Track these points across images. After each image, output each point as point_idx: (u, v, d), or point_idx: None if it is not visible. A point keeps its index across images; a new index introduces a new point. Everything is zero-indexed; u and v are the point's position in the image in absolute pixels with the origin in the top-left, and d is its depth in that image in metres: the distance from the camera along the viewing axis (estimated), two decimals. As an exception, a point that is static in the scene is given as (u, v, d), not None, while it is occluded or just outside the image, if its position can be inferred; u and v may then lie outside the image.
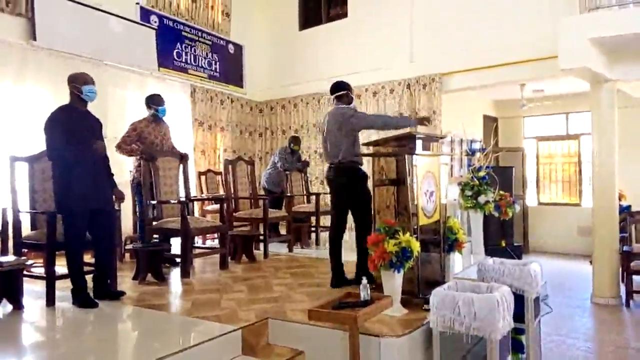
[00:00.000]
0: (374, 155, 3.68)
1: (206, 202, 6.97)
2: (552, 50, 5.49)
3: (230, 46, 8.21)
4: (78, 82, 3.58)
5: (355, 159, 3.91)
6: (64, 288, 3.59)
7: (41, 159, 3.95)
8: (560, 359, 4.33)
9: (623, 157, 6.25)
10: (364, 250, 3.39)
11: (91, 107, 3.75)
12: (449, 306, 2.69)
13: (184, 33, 7.34)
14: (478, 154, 6.31)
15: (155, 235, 4.76)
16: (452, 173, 7.82)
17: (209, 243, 6.50)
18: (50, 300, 3.51)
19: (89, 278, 3.63)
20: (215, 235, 6.02)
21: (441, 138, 3.90)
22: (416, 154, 3.39)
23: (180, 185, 4.98)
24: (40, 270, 3.89)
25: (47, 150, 3.53)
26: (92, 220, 3.57)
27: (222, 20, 8.11)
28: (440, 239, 3.72)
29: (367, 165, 4.19)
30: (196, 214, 6.42)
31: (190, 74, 7.43)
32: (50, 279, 3.52)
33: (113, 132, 5.34)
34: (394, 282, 3.12)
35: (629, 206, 7.43)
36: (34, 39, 5.33)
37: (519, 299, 3.25)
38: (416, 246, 3.08)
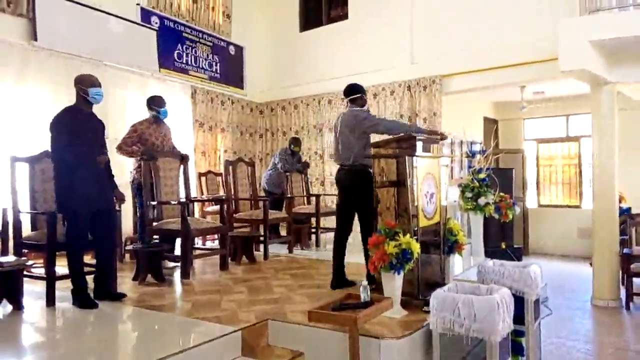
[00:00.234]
0: (375, 157, 3.68)
1: (206, 203, 6.97)
2: (552, 51, 5.49)
3: (231, 47, 8.22)
4: (84, 84, 3.59)
5: (366, 161, 3.89)
6: (64, 288, 3.59)
7: (42, 160, 3.96)
8: (560, 361, 4.33)
9: (623, 159, 6.25)
10: None
11: (92, 108, 3.75)
12: (449, 308, 2.69)
13: (184, 34, 7.35)
14: (478, 156, 6.33)
15: (155, 236, 4.76)
16: (452, 175, 7.83)
17: (209, 244, 6.50)
18: (51, 300, 3.52)
19: (89, 279, 3.63)
20: (216, 236, 6.02)
21: (442, 140, 3.88)
22: (416, 156, 3.40)
23: (181, 186, 4.98)
24: (41, 271, 3.90)
25: (51, 151, 3.53)
26: (93, 221, 3.57)
27: (222, 22, 8.12)
28: (440, 241, 3.72)
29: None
30: (196, 215, 6.43)
31: (190, 75, 7.44)
32: (51, 279, 3.53)
33: (113, 132, 5.33)
34: (394, 283, 3.12)
35: (629, 208, 7.44)
36: (35, 39, 5.35)
37: (519, 301, 3.24)
38: (416, 248, 3.08)
